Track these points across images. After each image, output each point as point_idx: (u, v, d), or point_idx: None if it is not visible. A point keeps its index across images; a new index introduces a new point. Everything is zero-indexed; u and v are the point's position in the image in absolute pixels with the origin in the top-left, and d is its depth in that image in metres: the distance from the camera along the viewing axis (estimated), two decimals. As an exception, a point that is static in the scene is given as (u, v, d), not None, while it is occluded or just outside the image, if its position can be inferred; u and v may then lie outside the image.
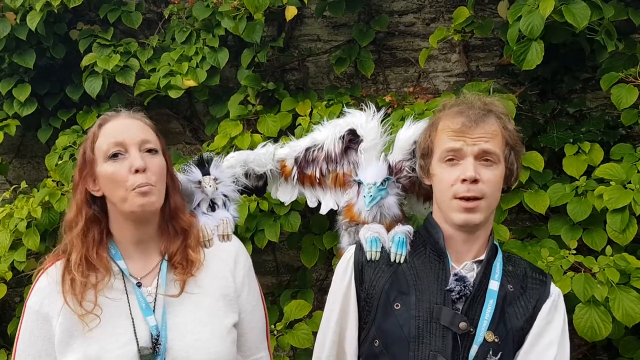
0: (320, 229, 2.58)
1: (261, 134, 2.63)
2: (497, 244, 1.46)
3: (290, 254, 2.95)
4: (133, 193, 1.32)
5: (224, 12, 2.63)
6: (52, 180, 2.75)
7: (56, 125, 3.01)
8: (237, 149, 2.59)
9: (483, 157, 1.35)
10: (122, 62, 2.77)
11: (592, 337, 1.95)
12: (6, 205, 2.71)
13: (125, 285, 1.38)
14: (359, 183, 1.53)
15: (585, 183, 2.20)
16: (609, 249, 2.06)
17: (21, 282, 2.78)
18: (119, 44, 2.88)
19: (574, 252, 2.10)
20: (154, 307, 1.38)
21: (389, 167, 1.53)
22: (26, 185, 2.82)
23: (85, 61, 2.77)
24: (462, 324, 1.32)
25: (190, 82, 2.71)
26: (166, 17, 2.95)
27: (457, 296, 1.34)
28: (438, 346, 1.32)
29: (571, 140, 2.37)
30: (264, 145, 1.71)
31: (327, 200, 1.64)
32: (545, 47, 2.10)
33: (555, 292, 1.41)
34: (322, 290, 2.92)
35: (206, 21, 2.81)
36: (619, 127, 2.45)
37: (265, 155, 1.68)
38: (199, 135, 3.08)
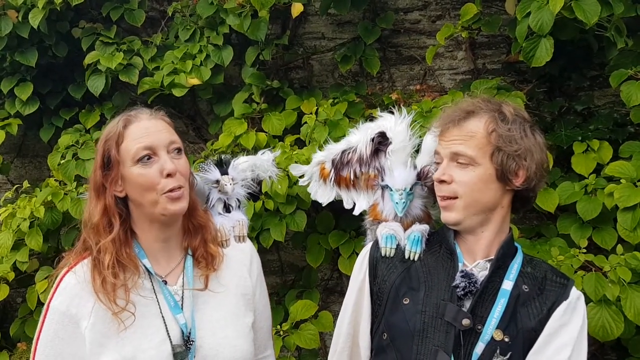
0: (325, 228, 2.57)
1: (266, 132, 2.62)
2: (518, 245, 1.46)
3: (295, 254, 2.93)
4: (164, 197, 1.33)
5: (229, 10, 2.62)
6: (55, 180, 2.73)
7: (58, 124, 2.99)
8: (242, 147, 2.58)
9: (456, 158, 1.38)
10: (125, 60, 2.75)
11: (603, 337, 1.93)
12: (8, 205, 2.69)
13: (152, 284, 1.38)
14: (384, 187, 1.56)
15: (595, 181, 2.19)
16: (619, 248, 2.04)
17: (23, 283, 2.75)
18: (122, 42, 2.87)
19: (584, 251, 2.08)
20: (182, 305, 1.39)
21: (418, 172, 1.56)
22: (28, 185, 2.79)
23: (88, 59, 2.75)
24: (465, 321, 1.32)
25: (194, 81, 2.70)
26: (169, 14, 2.93)
27: (462, 292, 1.35)
28: (441, 341, 1.33)
29: (579, 138, 2.35)
30: (263, 153, 1.77)
31: (360, 202, 1.68)
32: (553, 44, 2.08)
33: (575, 296, 1.38)
34: (328, 290, 2.90)
35: (210, 19, 2.79)
36: (628, 125, 2.43)
37: (267, 162, 1.74)
38: (203, 134, 3.06)
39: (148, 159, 1.33)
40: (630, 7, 2.15)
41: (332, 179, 1.70)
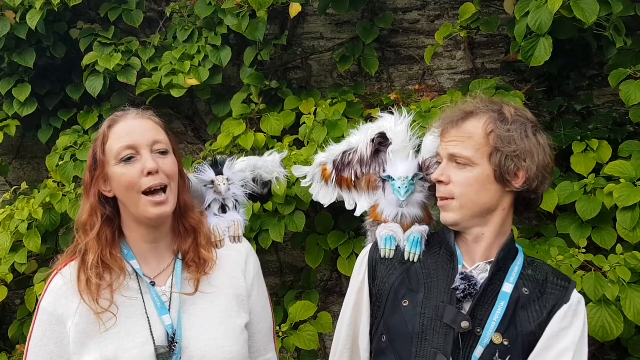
0: (324, 229, 2.56)
1: (265, 133, 2.61)
2: (519, 247, 1.45)
3: (294, 255, 2.92)
4: (146, 200, 1.33)
5: (227, 10, 2.61)
6: (53, 181, 2.72)
7: (57, 126, 2.98)
8: (241, 148, 2.57)
9: (454, 159, 1.38)
10: (123, 61, 2.75)
11: (603, 337, 1.92)
12: (7, 206, 2.69)
13: (139, 285, 1.38)
14: (385, 180, 1.55)
15: (594, 181, 2.18)
16: (619, 248, 2.04)
17: (22, 285, 2.75)
18: (120, 43, 2.86)
19: (584, 250, 2.07)
20: (169, 306, 1.38)
21: (419, 165, 1.56)
22: (27, 187, 2.79)
23: (86, 60, 2.74)
24: (464, 323, 1.31)
25: (193, 81, 2.69)
26: (168, 15, 2.93)
27: (462, 295, 1.34)
28: (440, 344, 1.32)
29: (579, 138, 2.34)
30: (270, 154, 1.78)
31: (362, 203, 1.68)
32: (552, 44, 2.08)
33: (576, 299, 1.36)
34: (327, 291, 2.90)
35: (208, 19, 2.78)
36: (627, 124, 2.42)
37: (272, 163, 1.74)
38: (201, 135, 3.05)
39: (130, 158, 1.33)
40: (629, 6, 2.15)
41: (334, 180, 1.70)
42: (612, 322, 1.91)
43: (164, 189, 1.34)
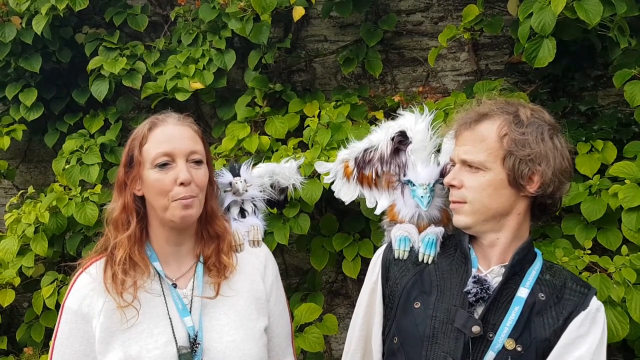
0: (329, 231, 2.56)
1: (269, 135, 2.62)
2: (538, 251, 1.42)
3: (299, 257, 2.93)
4: (175, 203, 1.35)
5: (231, 14, 2.62)
6: (59, 185, 2.74)
7: (63, 130, 3.01)
8: (245, 151, 2.58)
9: (466, 163, 1.36)
10: (128, 65, 2.77)
11: (609, 338, 1.90)
12: (14, 210, 2.71)
13: (162, 287, 1.41)
14: (406, 183, 1.55)
15: (599, 182, 2.17)
16: (624, 249, 2.03)
17: (29, 288, 2.77)
18: (125, 47, 2.88)
19: (589, 252, 2.07)
20: (190, 308, 1.40)
21: (441, 169, 1.55)
22: (33, 190, 2.81)
23: (92, 65, 2.77)
24: (475, 328, 1.29)
25: (197, 85, 2.70)
26: (172, 19, 2.94)
27: (474, 298, 1.32)
28: (450, 348, 1.30)
29: (583, 139, 2.33)
30: (287, 161, 1.80)
31: (382, 201, 1.68)
32: (556, 45, 2.08)
33: (594, 306, 1.33)
34: (332, 293, 2.90)
35: (212, 23, 2.80)
36: (632, 125, 2.41)
37: (289, 170, 1.76)
38: (206, 138, 3.04)
39: (165, 165, 1.35)
40: (633, 7, 2.14)
41: (355, 177, 1.69)
42: (617, 323, 1.91)
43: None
